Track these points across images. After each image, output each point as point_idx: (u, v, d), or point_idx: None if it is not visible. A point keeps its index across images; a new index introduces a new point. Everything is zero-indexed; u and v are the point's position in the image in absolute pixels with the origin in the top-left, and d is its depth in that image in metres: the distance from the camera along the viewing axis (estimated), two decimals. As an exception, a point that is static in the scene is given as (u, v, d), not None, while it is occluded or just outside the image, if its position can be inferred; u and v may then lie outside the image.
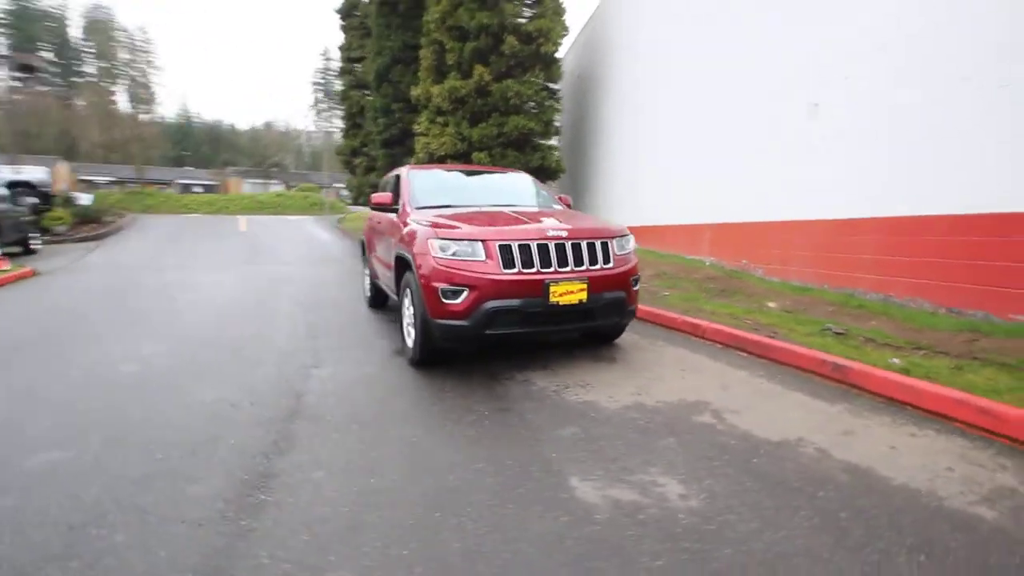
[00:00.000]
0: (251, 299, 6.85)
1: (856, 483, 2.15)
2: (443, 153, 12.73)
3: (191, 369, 3.80)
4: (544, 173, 13.26)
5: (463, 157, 12.75)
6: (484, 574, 1.64)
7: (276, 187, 44.28)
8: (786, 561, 1.68)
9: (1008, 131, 4.32)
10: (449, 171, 5.37)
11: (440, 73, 13.53)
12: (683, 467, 2.30)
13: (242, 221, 20.53)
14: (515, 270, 3.42)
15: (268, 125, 64.52)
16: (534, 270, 3.45)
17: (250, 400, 3.15)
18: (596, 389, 3.35)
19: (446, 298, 3.42)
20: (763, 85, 7.01)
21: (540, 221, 3.81)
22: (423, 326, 3.61)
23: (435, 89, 12.86)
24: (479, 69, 12.32)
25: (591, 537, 1.82)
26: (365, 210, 26.81)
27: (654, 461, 2.36)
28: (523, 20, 12.42)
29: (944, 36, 4.76)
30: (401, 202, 4.57)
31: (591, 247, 3.66)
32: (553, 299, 3.45)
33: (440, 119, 13.02)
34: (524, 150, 12.99)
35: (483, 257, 3.41)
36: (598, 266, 3.67)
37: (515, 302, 3.40)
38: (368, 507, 2.01)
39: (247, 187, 44.29)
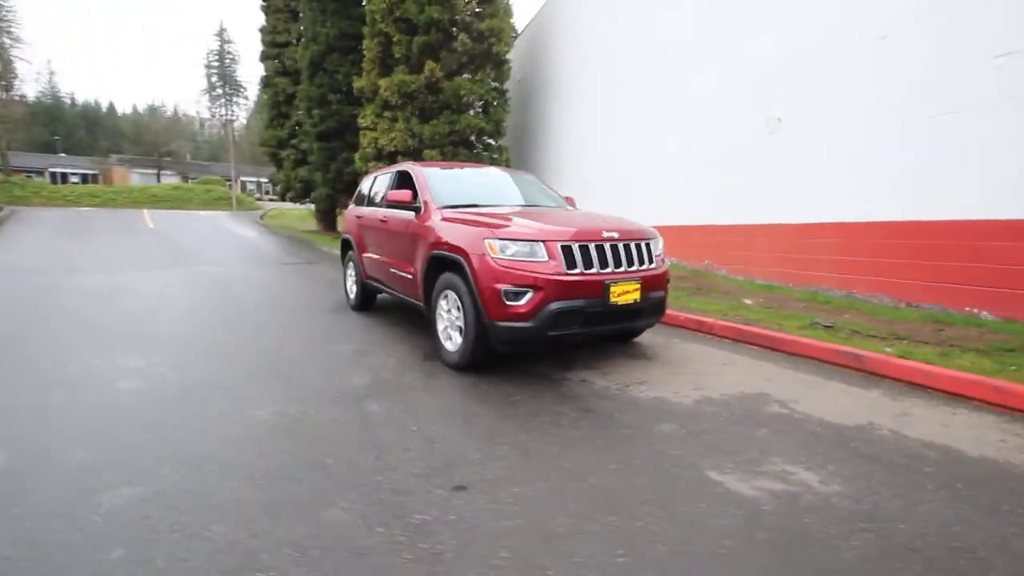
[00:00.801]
0: (216, 304, 6.21)
1: (945, 458, 2.44)
2: (392, 149, 12.33)
3: (250, 391, 3.39)
4: (493, 173, 13.24)
5: (414, 154, 12.43)
6: (711, 573, 1.67)
7: (170, 179, 40.18)
8: (948, 529, 1.88)
9: (926, 156, 5.08)
10: (461, 169, 5.22)
11: (386, 66, 13.08)
12: (798, 455, 2.46)
13: (146, 216, 18.39)
14: (578, 270, 3.43)
15: (153, 109, 58.37)
16: (595, 271, 3.49)
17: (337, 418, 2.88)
18: (656, 386, 3.46)
19: (509, 300, 3.35)
20: (723, 98, 7.56)
21: (587, 222, 3.85)
22: (478, 329, 3.52)
23: (382, 82, 12.41)
24: (430, 65, 12.08)
25: (775, 527, 1.90)
26: (290, 206, 24.98)
27: (768, 451, 2.50)
28: (473, 18, 12.34)
29: (877, 74, 5.45)
30: (421, 200, 4.40)
31: (638, 248, 3.77)
32: (612, 299, 3.51)
33: (388, 113, 12.58)
34: (475, 149, 12.93)
35: (545, 257, 3.39)
36: (645, 266, 3.79)
37: (579, 302, 3.41)
38: (544, 517, 1.95)
39: (136, 178, 39.80)
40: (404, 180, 5.00)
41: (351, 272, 6.17)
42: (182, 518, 1.89)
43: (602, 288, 3.47)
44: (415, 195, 4.48)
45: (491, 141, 13.21)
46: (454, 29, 12.27)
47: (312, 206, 18.96)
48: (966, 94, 4.86)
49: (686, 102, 8.35)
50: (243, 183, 41.46)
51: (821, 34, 6.21)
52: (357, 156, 13.27)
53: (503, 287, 3.35)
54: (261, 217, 20.08)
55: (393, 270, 4.78)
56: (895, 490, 2.14)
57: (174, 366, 3.74)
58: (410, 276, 4.43)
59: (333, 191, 15.85)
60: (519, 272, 3.35)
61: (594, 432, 2.74)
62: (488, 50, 12.42)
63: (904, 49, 5.37)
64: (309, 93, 15.13)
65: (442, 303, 3.94)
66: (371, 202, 5.76)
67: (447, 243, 3.79)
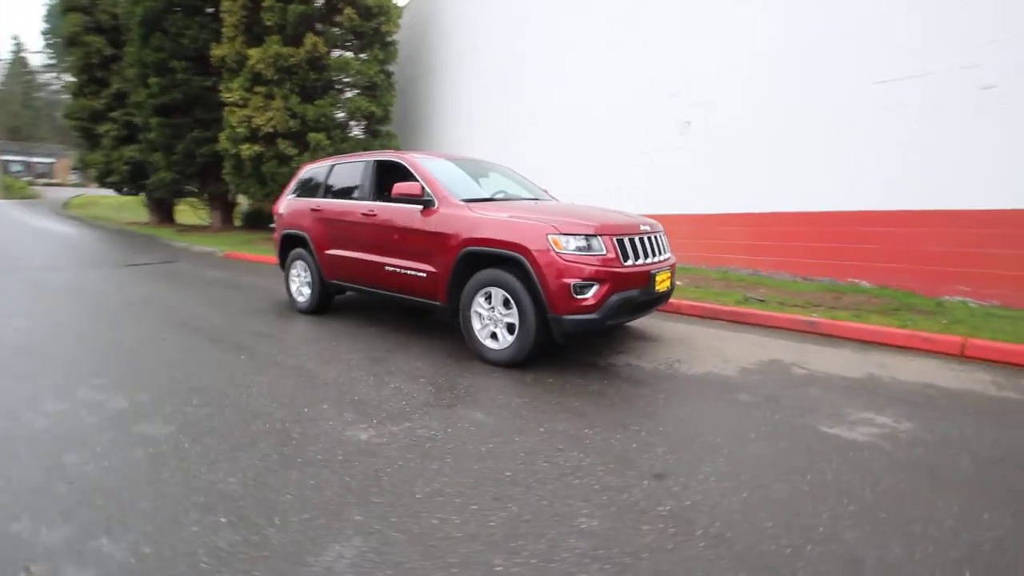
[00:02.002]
0: (109, 333, 5.06)
1: (944, 393, 3.23)
2: (270, 130, 11.03)
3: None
4: (382, 160, 12.66)
5: (296, 137, 11.29)
6: (869, 508, 2.05)
7: None
8: (990, 436, 2.57)
9: (822, 159, 6.39)
10: (449, 159, 4.97)
11: (253, 34, 11.58)
12: (857, 405, 3.04)
13: None
14: (630, 262, 3.64)
15: None
16: (642, 262, 3.74)
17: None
18: (692, 363, 3.85)
19: (577, 293, 3.43)
20: (635, 102, 8.33)
21: (616, 216, 4.07)
22: (541, 324, 3.53)
23: (252, 52, 11.00)
24: (312, 38, 11.06)
25: (906, 458, 2.38)
26: (100, 193, 20.05)
27: (835, 405, 3.03)
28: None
29: (772, 92, 6.64)
30: (433, 194, 4.16)
31: (660, 238, 4.12)
32: (655, 287, 3.81)
33: (262, 89, 11.19)
34: (366, 135, 12.19)
35: (605, 251, 3.53)
36: (669, 256, 4.16)
37: (633, 292, 3.63)
38: (756, 488, 2.15)
39: None
40: (395, 171, 4.65)
41: (300, 272, 5.50)
42: None
43: (648, 277, 3.74)
44: (422, 188, 4.21)
45: (381, 127, 12.54)
46: (339, 1, 11.31)
47: (142, 194, 15.84)
48: (848, 111, 6.16)
49: (594, 103, 8.98)
50: (6, 163, 32.74)
51: (729, 57, 7.23)
52: (224, 136, 11.55)
53: (573, 281, 3.41)
54: (64, 206, 16.02)
55: (391, 268, 4.43)
56: (958, 426, 2.79)
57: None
58: (423, 274, 4.17)
59: (181, 176, 13.48)
60: (585, 266, 3.44)
61: (695, 407, 3.01)
62: (377, 28, 11.74)
63: (805, 72, 6.57)
64: (143, 57, 12.59)
65: (479, 301, 3.82)
66: (331, 193, 5.22)
67: (493, 239, 3.68)
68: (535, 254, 3.48)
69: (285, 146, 11.04)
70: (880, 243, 5.95)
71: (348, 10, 11.14)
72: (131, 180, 15.13)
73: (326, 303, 5.43)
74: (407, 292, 4.40)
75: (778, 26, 6.73)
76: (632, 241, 3.71)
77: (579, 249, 3.47)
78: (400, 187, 4.17)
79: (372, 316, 5.38)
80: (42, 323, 4.87)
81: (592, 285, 3.45)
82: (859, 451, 2.49)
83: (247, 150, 11.03)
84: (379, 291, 4.71)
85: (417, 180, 4.29)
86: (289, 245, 5.65)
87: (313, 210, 5.27)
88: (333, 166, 5.33)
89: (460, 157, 5.17)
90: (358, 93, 11.97)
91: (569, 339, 3.72)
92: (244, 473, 2.23)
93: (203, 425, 2.71)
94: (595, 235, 3.53)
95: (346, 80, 11.73)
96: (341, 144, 11.50)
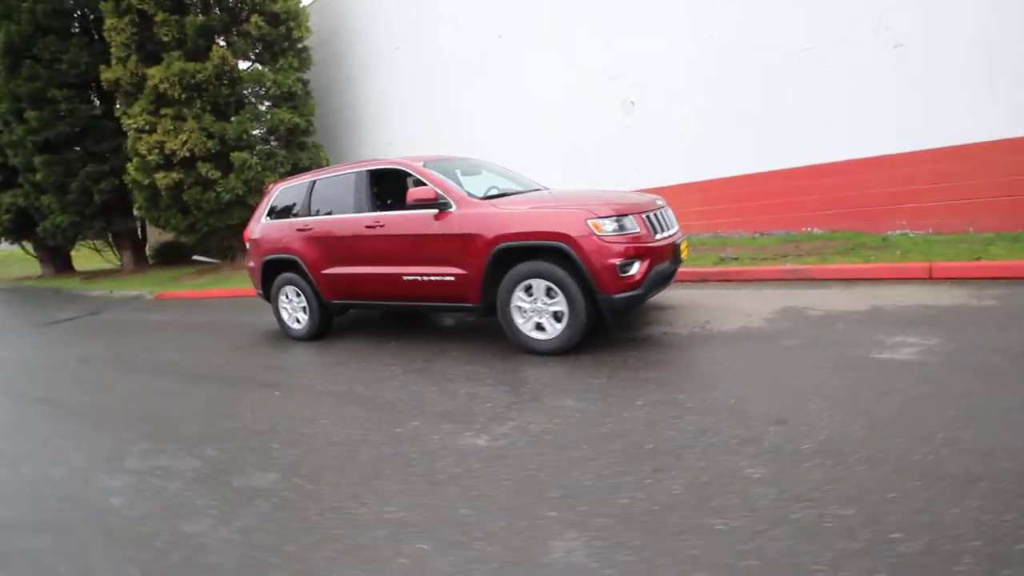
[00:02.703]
0: (89, 385, 4.55)
1: (943, 311, 3.72)
2: (187, 154, 10.16)
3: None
4: (311, 173, 12.09)
5: (217, 159, 10.48)
6: (961, 409, 2.41)
7: None
8: (1011, 335, 3.06)
9: (761, 122, 7.02)
10: (441, 159, 4.88)
11: (147, 52, 10.56)
12: (887, 331, 3.43)
13: None
14: (659, 236, 3.84)
15: None
16: (667, 234, 3.95)
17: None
18: (720, 322, 4.12)
19: (623, 272, 3.56)
20: (580, 84, 8.58)
21: (627, 195, 4.25)
22: (591, 306, 3.63)
23: (153, 71, 10.08)
24: (219, 51, 10.28)
25: (958, 364, 2.77)
26: None
27: (872, 335, 3.39)
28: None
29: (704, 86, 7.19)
30: (447, 196, 4.11)
31: (670, 213, 4.36)
32: (680, 257, 4.05)
33: (168, 110, 10.26)
34: (291, 149, 11.53)
35: (638, 229, 3.69)
36: (678, 227, 4.42)
37: (666, 264, 3.84)
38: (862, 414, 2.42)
39: None
40: (393, 179, 4.53)
41: (292, 298, 5.19)
42: None
43: (675, 249, 3.97)
44: (436, 192, 4.14)
45: (305, 139, 11.92)
46: (243, 9, 10.55)
47: (28, 244, 13.88)
48: (782, 77, 6.78)
49: (532, 94, 9.14)
50: None
51: (666, 37, 7.66)
52: (132, 167, 10.46)
53: (617, 261, 3.54)
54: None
55: (411, 278, 4.32)
56: (956, 331, 3.25)
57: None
58: (451, 278, 4.12)
59: (80, 218, 11.97)
60: (626, 245, 3.58)
61: (763, 359, 3.27)
62: (288, 35, 11.11)
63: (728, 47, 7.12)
64: (13, 89, 10.99)
65: (519, 295, 3.85)
66: (318, 210, 4.97)
67: (531, 232, 3.71)
68: (579, 240, 3.57)
69: (207, 169, 10.20)
70: (824, 193, 6.65)
71: (255, 18, 10.43)
72: (15, 230, 13.18)
73: (326, 327, 5.18)
74: (432, 299, 4.32)
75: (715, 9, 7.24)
76: (655, 216, 3.91)
77: (616, 230, 3.61)
78: (415, 193, 4.07)
79: (373, 332, 5.20)
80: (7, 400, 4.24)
81: (634, 262, 3.60)
82: (916, 368, 2.85)
83: (163, 179, 10.05)
84: (395, 304, 4.58)
85: (427, 184, 4.21)
86: (273, 272, 5.29)
87: (300, 230, 4.99)
88: (314, 182, 5.06)
89: (447, 157, 5.10)
90: (271, 105, 11.26)
91: (617, 316, 3.87)
92: (397, 501, 2.15)
93: (308, 465, 2.55)
94: (627, 215, 3.68)
95: (262, 92, 11.00)
96: (267, 161, 10.82)
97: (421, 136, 10.98)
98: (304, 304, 5.11)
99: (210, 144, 10.21)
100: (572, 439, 2.51)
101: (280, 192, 5.37)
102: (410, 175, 4.43)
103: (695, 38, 7.40)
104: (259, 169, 10.56)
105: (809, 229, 6.89)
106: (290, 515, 2.14)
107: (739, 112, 7.20)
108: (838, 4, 6.26)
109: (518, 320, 3.90)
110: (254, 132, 10.75)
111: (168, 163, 10.13)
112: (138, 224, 12.52)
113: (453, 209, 4.08)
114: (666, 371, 3.24)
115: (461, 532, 1.89)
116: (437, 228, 4.12)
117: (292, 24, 10.96)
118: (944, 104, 5.75)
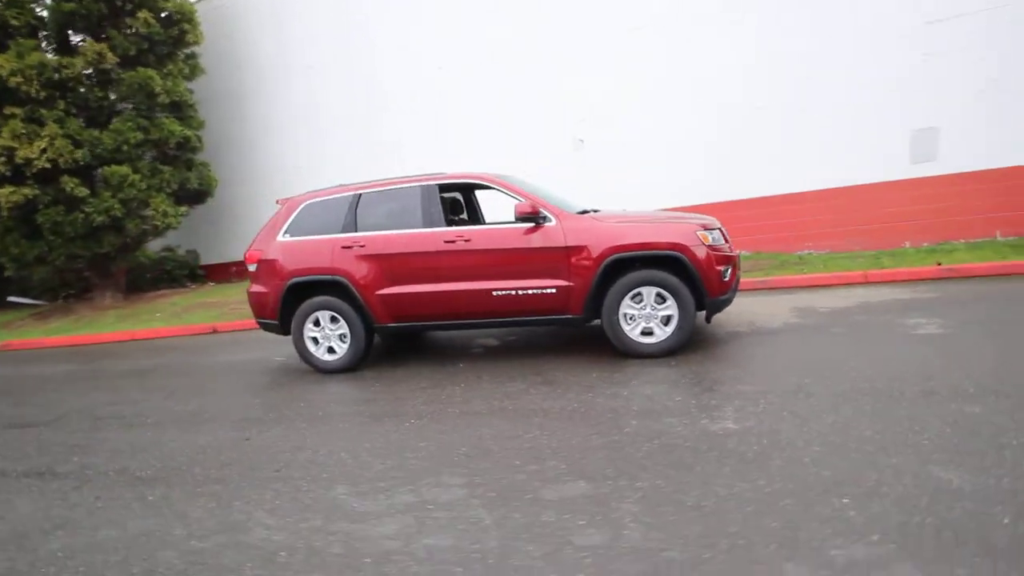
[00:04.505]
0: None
1: (916, 302, 4.93)
2: (47, 165, 8.20)
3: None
4: (197, 197, 10.67)
5: (83, 171, 8.65)
6: (1013, 365, 3.42)
7: None
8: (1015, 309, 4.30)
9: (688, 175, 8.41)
10: (508, 177, 4.87)
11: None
12: (903, 317, 4.47)
13: None
14: (728, 246, 4.48)
15: None
16: (730, 247, 4.62)
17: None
18: (761, 321, 4.88)
19: (724, 277, 4.09)
20: (539, 124, 9.13)
21: (695, 214, 4.83)
22: (696, 308, 4.05)
23: (1, 61, 7.98)
24: (95, 45, 8.65)
25: (978, 337, 3.81)
26: None
27: (890, 318, 4.42)
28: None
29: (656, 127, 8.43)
30: (546, 211, 4.21)
31: (721, 229, 5.07)
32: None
33: (18, 110, 8.24)
34: (178, 166, 9.97)
35: (723, 241, 4.28)
36: (719, 242, 5.13)
37: (738, 271, 4.50)
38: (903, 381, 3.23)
39: None
40: (467, 193, 4.44)
41: (326, 325, 4.59)
42: None
43: (739, 259, 4.65)
44: (535, 207, 4.21)
45: (193, 156, 10.37)
46: (127, 2, 8.95)
47: None
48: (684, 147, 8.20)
49: (477, 123, 9.47)
50: None
51: (606, 77, 8.67)
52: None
53: (721, 267, 4.05)
54: None
55: (502, 293, 4.24)
56: (945, 312, 4.46)
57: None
58: (552, 290, 4.17)
59: None
60: (723, 253, 4.13)
61: (826, 349, 4.01)
62: (180, 37, 9.74)
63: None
64: None
65: (627, 302, 4.10)
66: (368, 226, 4.56)
67: (647, 243, 4.00)
68: (694, 250, 3.99)
69: (73, 185, 8.22)
70: (747, 222, 8.16)
71: (143, 13, 8.92)
72: None
73: (366, 356, 4.70)
74: (526, 313, 4.29)
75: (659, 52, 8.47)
76: (723, 232, 4.56)
77: (716, 241, 4.14)
78: (522, 207, 4.10)
79: (399, 361, 4.88)
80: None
81: (728, 268, 4.16)
82: (949, 339, 3.80)
83: (12, 195, 7.82)
84: (476, 320, 4.42)
85: (521, 199, 4.25)
86: (298, 296, 4.64)
87: (347, 247, 4.51)
88: (359, 195, 4.64)
89: (506, 175, 5.15)
90: (140, 114, 9.53)
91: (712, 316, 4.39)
92: (719, 495, 2.26)
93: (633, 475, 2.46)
94: (717, 228, 4.25)
95: (146, 99, 9.32)
96: (152, 178, 9.13)
97: (341, 160, 10.33)
98: (343, 331, 4.57)
99: (79, 154, 8.29)
100: (780, 424, 2.87)
101: (305, 208, 4.77)
102: (491, 188, 4.41)
103: (647, 89, 8.56)
104: (143, 187, 8.86)
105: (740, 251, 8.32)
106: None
107: (663, 157, 8.47)
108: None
109: (626, 327, 4.13)
110: (134, 144, 8.99)
111: (17, 175, 7.92)
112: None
113: (553, 223, 4.19)
114: (758, 363, 3.81)
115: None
116: (538, 241, 4.17)
117: (187, 26, 9.61)
118: (824, 155, 7.67)
